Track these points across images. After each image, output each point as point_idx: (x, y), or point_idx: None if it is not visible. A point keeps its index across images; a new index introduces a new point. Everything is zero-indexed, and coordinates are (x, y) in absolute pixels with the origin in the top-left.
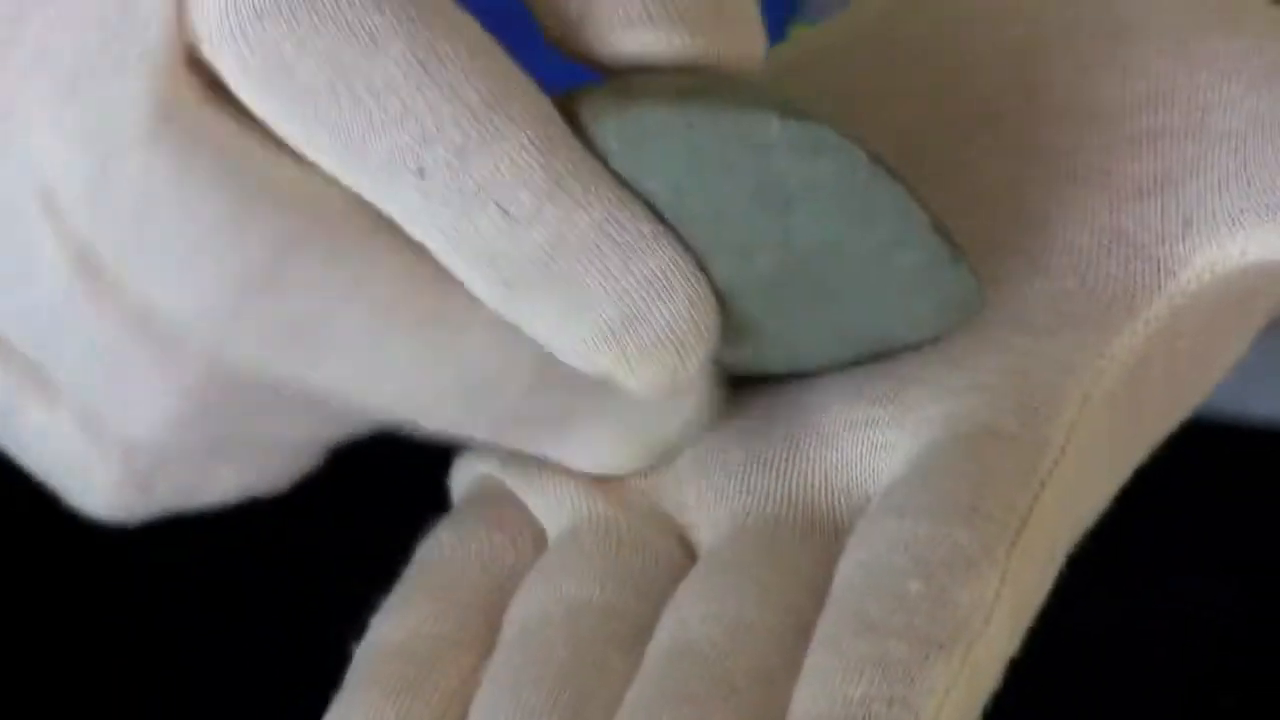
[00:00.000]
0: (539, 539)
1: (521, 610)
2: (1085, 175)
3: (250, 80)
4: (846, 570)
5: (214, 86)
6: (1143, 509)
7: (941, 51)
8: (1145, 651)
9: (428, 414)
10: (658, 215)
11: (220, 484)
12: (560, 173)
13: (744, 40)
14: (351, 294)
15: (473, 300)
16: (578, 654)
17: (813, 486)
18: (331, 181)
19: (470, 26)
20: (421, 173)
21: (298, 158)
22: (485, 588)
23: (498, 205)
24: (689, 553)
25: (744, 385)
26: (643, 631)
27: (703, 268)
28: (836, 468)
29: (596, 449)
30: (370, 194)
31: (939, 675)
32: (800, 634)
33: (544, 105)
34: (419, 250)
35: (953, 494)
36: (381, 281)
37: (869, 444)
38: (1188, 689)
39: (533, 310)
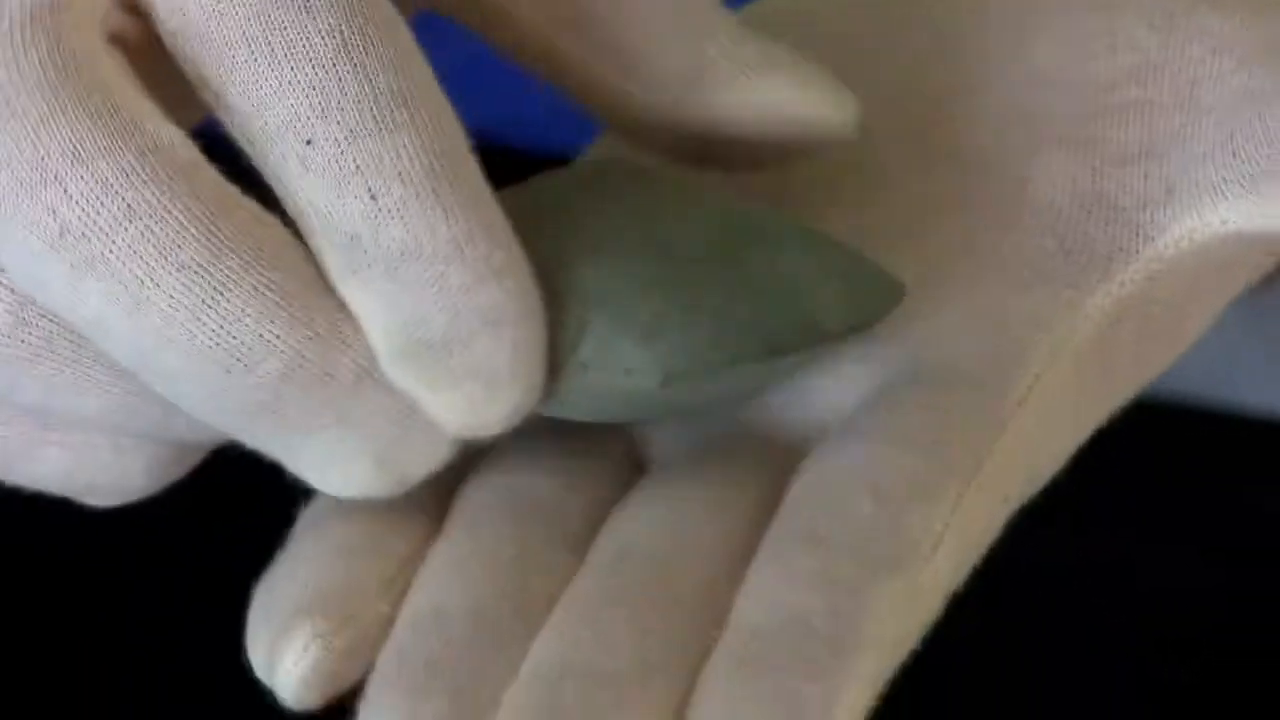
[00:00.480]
0: None
1: (473, 494)
2: (1069, 140)
3: (181, 19)
4: (798, 489)
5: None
6: (1137, 497)
7: (924, 16)
8: (1136, 634)
9: (184, 375)
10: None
11: (47, 462)
12: (439, 179)
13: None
14: (130, 216)
15: (241, 267)
16: (524, 546)
17: (770, 412)
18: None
19: (403, 31)
20: (309, 143)
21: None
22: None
23: (369, 190)
24: (637, 466)
25: None
26: (586, 533)
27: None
28: (796, 397)
29: (331, 464)
30: (251, 149)
31: (882, 595)
32: (747, 551)
33: (452, 123)
34: (216, 207)
35: (913, 426)
36: (165, 215)
37: (832, 376)
38: (1181, 670)
39: (368, 300)
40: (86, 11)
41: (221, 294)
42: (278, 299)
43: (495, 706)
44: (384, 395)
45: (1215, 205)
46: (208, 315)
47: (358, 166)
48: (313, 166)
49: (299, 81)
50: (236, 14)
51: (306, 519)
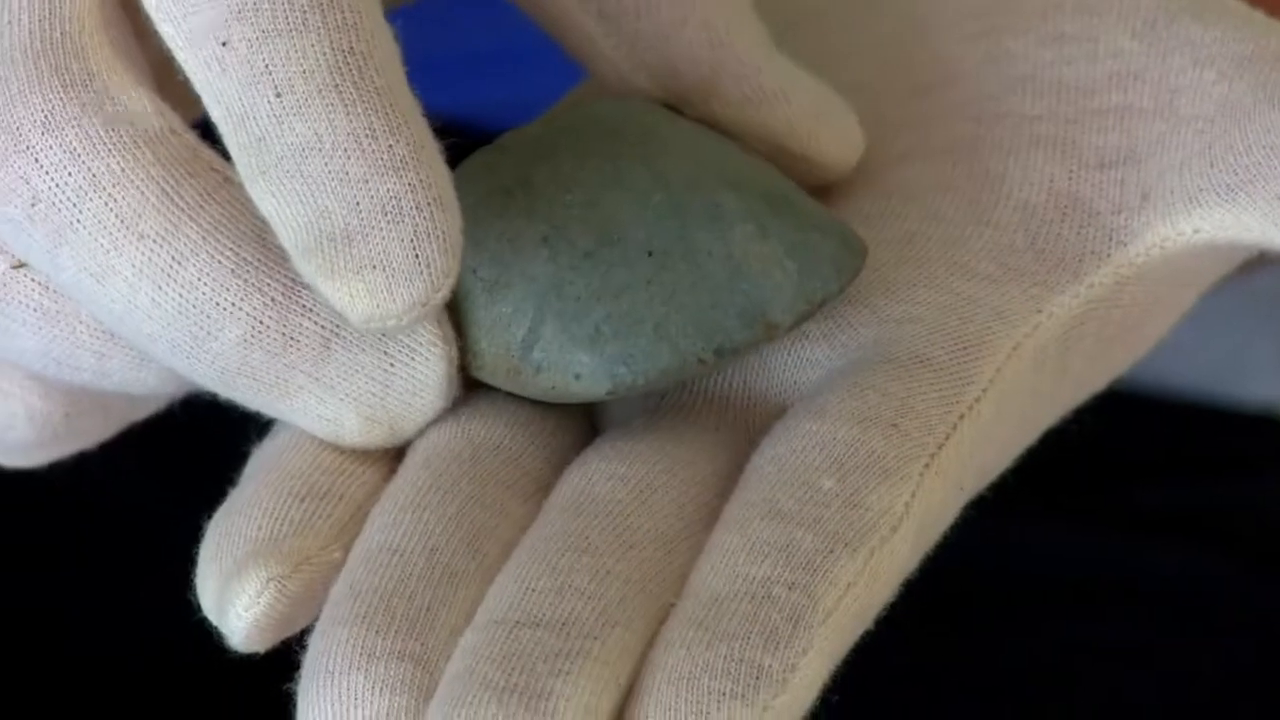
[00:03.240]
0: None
1: (428, 441)
2: (1048, 142)
3: None
4: (759, 462)
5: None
6: (1141, 491)
7: (900, 8)
8: (1143, 629)
9: (159, 340)
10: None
11: None
12: (343, 75)
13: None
14: (94, 186)
15: (200, 236)
16: (479, 492)
17: (731, 387)
18: (128, 89)
19: None
20: (225, 44)
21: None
22: None
23: (275, 88)
24: (593, 424)
25: None
26: (542, 487)
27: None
28: (758, 374)
29: (319, 421)
30: (179, 54)
31: (842, 570)
32: (702, 510)
33: (371, 24)
34: (180, 175)
35: (876, 407)
36: (127, 184)
37: (796, 357)
38: (1195, 665)
39: (277, 199)
40: None
41: (180, 263)
42: (233, 266)
43: (449, 644)
44: (357, 355)
45: (1189, 214)
46: (168, 284)
47: (266, 65)
48: (228, 67)
49: None
50: None
51: (259, 457)
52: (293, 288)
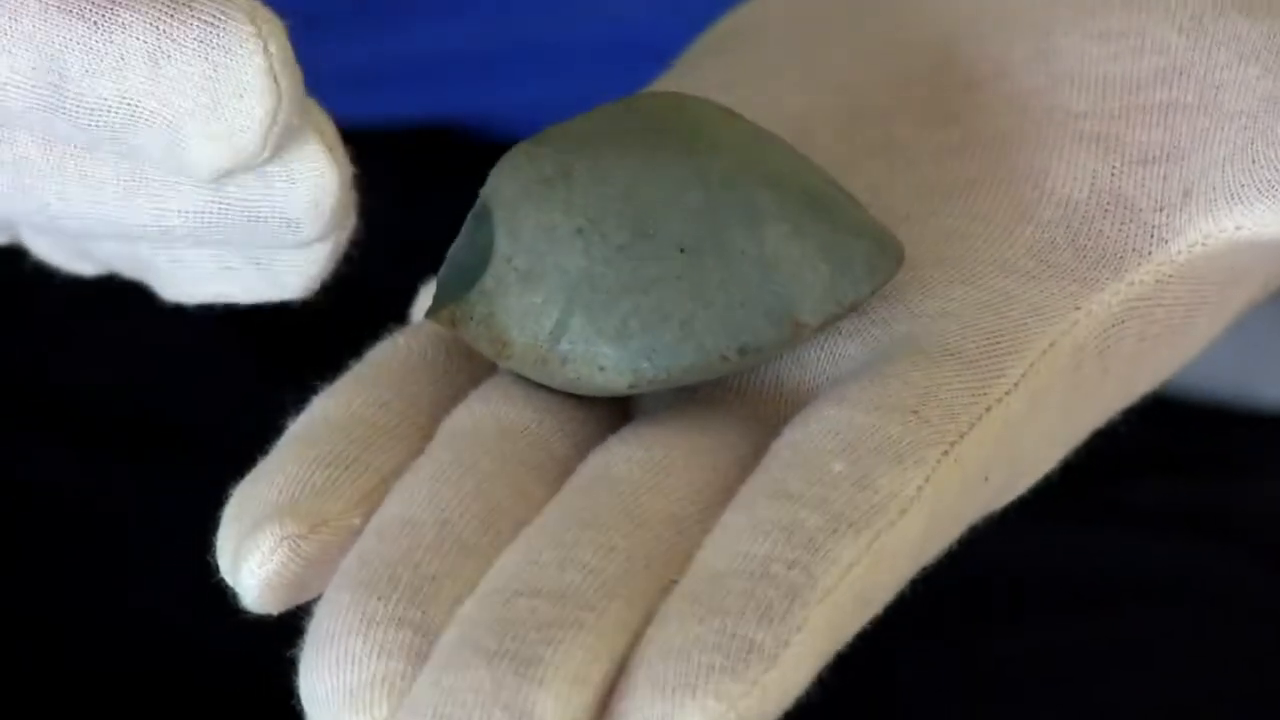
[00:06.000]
0: (490, 367)
1: (457, 420)
2: (1092, 138)
3: None
4: (776, 447)
5: None
6: (1153, 488)
7: (948, 6)
8: (1156, 632)
9: (28, 108)
10: None
11: None
12: None
13: None
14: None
15: (83, 58)
16: (500, 471)
17: (763, 382)
18: None
19: None
20: None
21: None
22: (431, 395)
23: None
24: (625, 414)
25: None
26: (567, 472)
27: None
28: (791, 369)
29: (173, 144)
30: None
31: (844, 550)
32: (720, 494)
33: None
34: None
35: (897, 394)
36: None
37: (829, 352)
38: (1208, 667)
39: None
40: None
41: (16, 19)
42: (58, 3)
43: (452, 613)
44: (183, 66)
45: (1230, 210)
46: (13, 43)
47: None
48: None
49: None
50: None
51: (291, 431)
52: (111, 11)
